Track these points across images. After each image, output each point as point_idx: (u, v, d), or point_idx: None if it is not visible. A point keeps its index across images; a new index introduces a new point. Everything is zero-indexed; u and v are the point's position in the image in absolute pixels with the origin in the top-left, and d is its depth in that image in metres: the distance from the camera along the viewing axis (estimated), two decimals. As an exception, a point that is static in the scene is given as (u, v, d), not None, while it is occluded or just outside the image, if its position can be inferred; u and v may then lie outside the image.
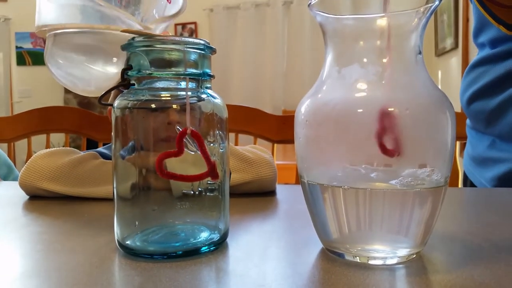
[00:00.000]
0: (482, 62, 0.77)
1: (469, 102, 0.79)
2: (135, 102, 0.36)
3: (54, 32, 0.39)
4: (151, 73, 0.35)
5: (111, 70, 0.41)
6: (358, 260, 0.34)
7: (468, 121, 0.85)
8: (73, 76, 0.41)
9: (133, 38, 0.35)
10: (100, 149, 0.78)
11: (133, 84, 0.36)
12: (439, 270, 0.33)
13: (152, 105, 0.35)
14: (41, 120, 1.21)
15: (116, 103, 0.36)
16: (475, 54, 0.84)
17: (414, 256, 0.35)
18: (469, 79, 0.80)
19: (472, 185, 0.84)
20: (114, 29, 0.38)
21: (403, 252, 0.34)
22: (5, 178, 1.07)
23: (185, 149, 0.35)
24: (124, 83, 0.36)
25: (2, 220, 0.48)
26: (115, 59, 0.40)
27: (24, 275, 0.32)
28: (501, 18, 0.70)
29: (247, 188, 0.59)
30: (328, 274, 0.32)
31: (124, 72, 0.36)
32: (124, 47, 0.36)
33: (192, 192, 0.36)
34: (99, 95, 0.37)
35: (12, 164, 1.12)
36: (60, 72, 0.40)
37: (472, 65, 0.80)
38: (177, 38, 0.35)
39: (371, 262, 0.34)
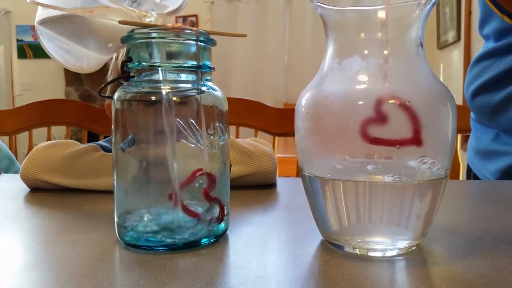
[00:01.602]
0: (486, 56, 0.77)
1: (473, 95, 0.79)
2: (135, 94, 0.35)
3: (47, 16, 0.38)
4: (151, 65, 0.35)
5: (104, 52, 0.40)
6: (358, 252, 0.34)
7: (472, 113, 0.85)
8: (64, 51, 0.40)
9: (133, 30, 0.35)
10: (101, 142, 0.78)
11: (133, 76, 0.36)
12: (439, 262, 0.33)
13: (152, 97, 0.35)
14: (42, 113, 1.21)
15: (116, 96, 0.36)
16: (477, 47, 0.84)
17: (414, 248, 0.35)
18: (474, 73, 0.79)
19: (476, 177, 0.84)
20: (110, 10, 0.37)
21: (403, 244, 0.34)
22: (7, 171, 1.07)
23: (185, 142, 0.35)
24: (124, 75, 0.36)
25: (3, 213, 0.48)
26: (110, 44, 0.39)
27: (25, 267, 0.32)
28: (505, 8, 0.70)
29: (247, 180, 0.59)
30: (328, 266, 0.32)
31: (124, 64, 0.36)
32: (124, 39, 0.36)
33: (192, 184, 0.36)
34: (91, 71, 0.37)
35: (14, 157, 1.13)
36: (51, 44, 0.39)
37: (476, 58, 0.80)
38: (178, 30, 0.35)
39: (371, 254, 0.34)
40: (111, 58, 0.85)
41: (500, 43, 0.74)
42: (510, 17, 0.70)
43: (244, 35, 0.39)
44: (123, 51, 0.81)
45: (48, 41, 0.39)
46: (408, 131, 0.32)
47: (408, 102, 0.32)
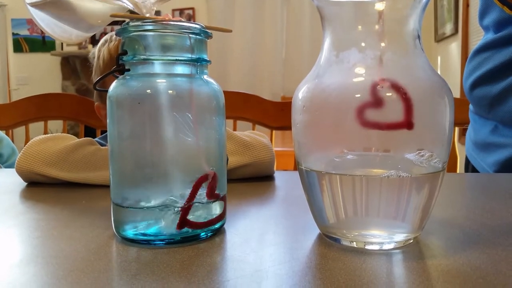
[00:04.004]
0: (486, 47, 0.77)
1: (472, 87, 0.79)
2: (130, 88, 0.35)
3: (34, 0, 0.37)
4: (146, 58, 0.35)
5: (91, 31, 0.40)
6: (355, 245, 0.34)
7: (471, 106, 0.85)
8: (50, 21, 0.39)
9: (127, 23, 0.35)
10: (97, 139, 0.78)
11: (128, 70, 0.36)
12: (436, 255, 0.33)
13: (147, 90, 0.35)
14: (39, 107, 1.20)
15: (111, 89, 0.36)
16: (475, 40, 0.84)
17: (411, 241, 0.35)
18: (473, 65, 0.79)
19: (474, 169, 0.85)
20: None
21: (400, 237, 0.34)
22: (8, 158, 1.08)
23: (182, 135, 0.35)
24: (119, 69, 0.35)
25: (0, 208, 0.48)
26: (99, 21, 0.39)
27: (22, 262, 0.32)
28: None
29: (245, 171, 0.59)
30: (325, 259, 0.32)
31: (118, 57, 0.35)
32: (119, 32, 0.35)
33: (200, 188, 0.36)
34: (78, 42, 0.36)
35: (15, 147, 1.13)
36: (39, 13, 0.38)
37: (476, 50, 0.80)
38: (173, 22, 0.35)
39: (368, 247, 0.34)
40: (93, 58, 0.84)
41: (499, 34, 0.74)
42: (510, 7, 0.70)
43: (229, 31, 0.39)
44: (103, 49, 0.80)
45: (36, 10, 0.38)
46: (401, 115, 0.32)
47: (405, 94, 0.32)
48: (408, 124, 0.32)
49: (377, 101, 0.32)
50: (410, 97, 0.32)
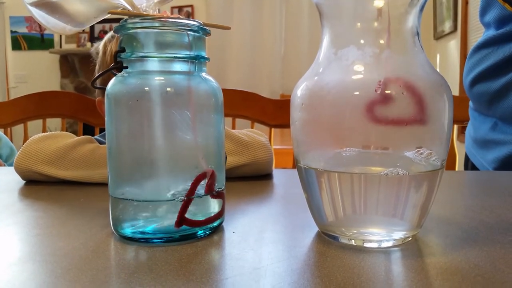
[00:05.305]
0: (486, 44, 0.77)
1: (472, 84, 0.79)
2: (128, 85, 0.35)
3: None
4: (145, 56, 0.34)
5: (84, 26, 0.40)
6: (354, 243, 0.34)
7: (470, 102, 0.85)
8: (44, 14, 0.38)
9: (125, 20, 0.35)
10: (96, 136, 0.78)
11: (126, 67, 0.35)
12: (435, 253, 0.33)
13: (145, 88, 0.35)
14: (38, 105, 1.20)
15: (109, 87, 0.36)
16: (474, 38, 0.84)
17: (410, 239, 0.35)
18: (473, 61, 0.79)
19: (474, 166, 0.85)
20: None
21: (399, 235, 0.34)
22: (8, 159, 1.08)
23: (180, 133, 0.35)
24: (117, 66, 0.35)
25: (-2, 205, 0.48)
26: (94, 17, 0.38)
27: (20, 260, 0.32)
28: None
29: (243, 171, 0.59)
30: (324, 257, 0.32)
31: (116, 54, 0.35)
32: (117, 29, 0.35)
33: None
34: (72, 33, 0.36)
35: (14, 146, 1.13)
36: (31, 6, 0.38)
37: (476, 46, 0.80)
38: (171, 19, 0.34)
39: (367, 245, 0.34)
40: (97, 53, 0.84)
41: (500, 31, 0.74)
42: (511, 4, 0.70)
43: (228, 28, 0.39)
44: (110, 45, 0.80)
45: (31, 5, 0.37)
46: (410, 112, 0.32)
47: (403, 92, 0.32)
48: (421, 119, 0.32)
49: (385, 98, 0.32)
50: (420, 93, 0.32)
